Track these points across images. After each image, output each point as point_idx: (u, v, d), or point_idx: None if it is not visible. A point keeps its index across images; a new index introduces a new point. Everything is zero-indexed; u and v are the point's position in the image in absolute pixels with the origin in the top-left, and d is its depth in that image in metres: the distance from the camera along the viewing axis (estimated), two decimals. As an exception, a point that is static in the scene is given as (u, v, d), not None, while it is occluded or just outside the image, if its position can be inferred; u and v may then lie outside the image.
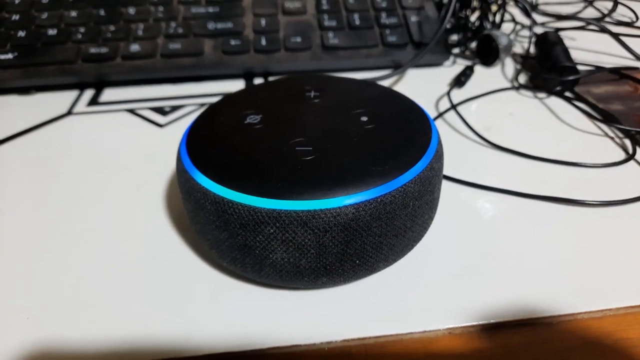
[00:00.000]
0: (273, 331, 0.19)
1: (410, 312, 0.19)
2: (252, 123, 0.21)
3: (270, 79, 0.38)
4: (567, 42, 0.38)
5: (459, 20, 0.41)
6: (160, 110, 0.34)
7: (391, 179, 0.17)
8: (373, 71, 0.39)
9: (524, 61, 0.39)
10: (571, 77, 0.34)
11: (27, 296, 0.20)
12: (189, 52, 0.37)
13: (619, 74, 0.36)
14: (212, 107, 0.23)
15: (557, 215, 0.24)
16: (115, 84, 0.37)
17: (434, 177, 0.19)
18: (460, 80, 0.36)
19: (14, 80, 0.35)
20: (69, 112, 0.34)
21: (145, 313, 0.20)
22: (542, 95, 0.35)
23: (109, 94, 0.36)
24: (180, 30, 0.38)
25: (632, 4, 0.48)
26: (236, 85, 0.37)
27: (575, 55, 0.37)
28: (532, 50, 0.39)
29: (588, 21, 0.41)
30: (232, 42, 0.37)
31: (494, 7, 0.41)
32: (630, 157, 0.28)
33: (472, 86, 0.36)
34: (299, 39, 0.38)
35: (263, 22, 0.39)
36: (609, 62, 0.40)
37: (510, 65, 0.40)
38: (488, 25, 0.41)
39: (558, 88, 0.35)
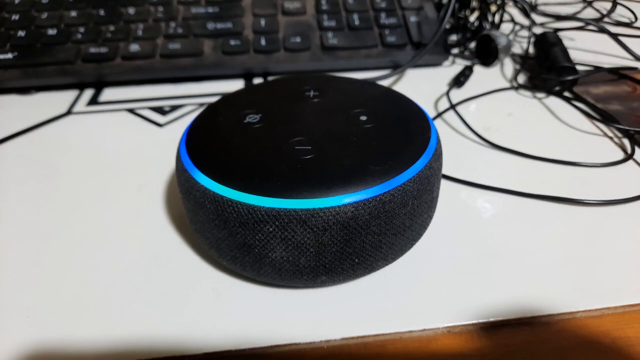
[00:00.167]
0: (272, 330, 0.19)
1: (410, 311, 0.19)
2: (251, 122, 0.21)
3: (270, 79, 0.38)
4: (566, 43, 0.38)
5: (458, 20, 0.41)
6: (160, 110, 0.34)
7: (390, 177, 0.17)
8: (372, 71, 0.39)
9: (523, 61, 0.39)
10: (570, 77, 0.34)
11: (27, 296, 0.20)
12: (188, 52, 0.37)
13: (618, 74, 0.36)
14: (212, 106, 0.23)
15: (555, 214, 0.24)
16: (114, 84, 0.37)
17: (432, 176, 0.19)
18: (459, 80, 0.36)
19: (14, 80, 0.36)
20: (69, 112, 0.34)
21: (145, 312, 0.20)
22: (541, 95, 0.35)
23: (108, 94, 0.36)
24: (179, 31, 0.38)
25: (631, 5, 0.48)
26: (236, 86, 0.37)
27: (574, 55, 0.37)
28: (531, 50, 0.39)
29: (587, 21, 0.42)
30: (232, 43, 0.37)
31: (493, 8, 0.41)
32: (628, 156, 0.28)
33: (471, 86, 0.36)
34: (298, 39, 0.38)
35: (262, 22, 0.39)
36: (608, 62, 0.40)
37: (509, 66, 0.40)
38: (487, 26, 0.41)
39: (557, 88, 0.35)
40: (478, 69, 0.39)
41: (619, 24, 0.44)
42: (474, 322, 0.19)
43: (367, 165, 0.18)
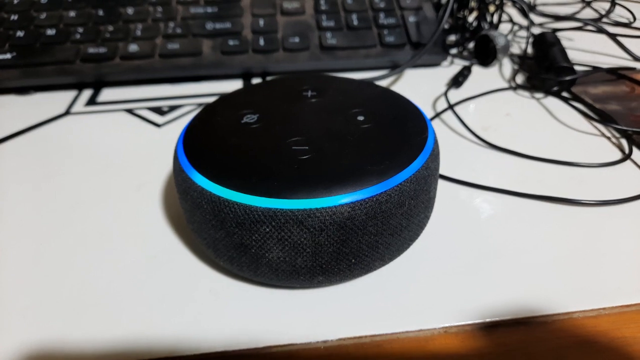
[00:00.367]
0: (269, 330, 0.19)
1: (407, 311, 0.19)
2: (248, 122, 0.21)
3: (268, 79, 0.38)
4: (564, 43, 0.38)
5: (456, 20, 0.41)
6: (158, 110, 0.34)
7: (387, 178, 0.17)
8: (371, 71, 0.39)
9: (522, 61, 0.39)
10: (568, 78, 0.34)
11: (26, 296, 0.20)
12: (187, 52, 0.37)
13: (616, 74, 0.36)
14: (209, 106, 0.23)
15: (553, 214, 0.24)
16: (113, 84, 0.37)
17: (429, 176, 0.19)
18: (457, 81, 0.36)
19: (13, 80, 0.36)
20: (67, 112, 0.34)
21: (142, 312, 0.20)
22: (539, 95, 0.35)
23: (107, 94, 0.36)
24: (178, 31, 0.38)
25: (629, 5, 0.48)
26: (234, 86, 0.37)
27: (572, 55, 0.37)
28: (530, 50, 0.40)
29: (585, 22, 0.42)
30: (231, 42, 0.37)
31: (491, 8, 0.41)
32: (626, 157, 0.28)
33: (470, 86, 0.37)
34: (297, 39, 0.38)
35: (261, 22, 0.39)
36: (606, 62, 0.40)
37: (507, 66, 0.40)
38: (486, 26, 0.41)
39: (555, 88, 0.35)
40: (476, 69, 0.39)
41: (617, 24, 0.44)
42: (470, 322, 0.19)
43: (364, 166, 0.18)
